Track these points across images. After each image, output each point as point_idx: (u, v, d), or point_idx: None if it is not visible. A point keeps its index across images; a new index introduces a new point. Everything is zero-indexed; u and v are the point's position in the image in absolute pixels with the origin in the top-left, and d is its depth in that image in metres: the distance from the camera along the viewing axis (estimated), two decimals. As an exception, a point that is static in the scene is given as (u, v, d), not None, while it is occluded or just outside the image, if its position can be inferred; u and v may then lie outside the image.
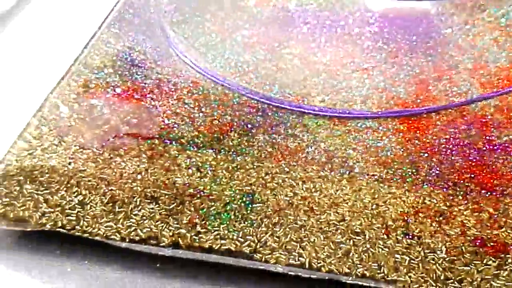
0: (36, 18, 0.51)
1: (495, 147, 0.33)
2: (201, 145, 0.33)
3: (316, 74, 0.35)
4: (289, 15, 0.36)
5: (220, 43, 0.35)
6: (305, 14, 0.36)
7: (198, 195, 0.32)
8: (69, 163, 0.33)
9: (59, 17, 0.51)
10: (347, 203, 0.31)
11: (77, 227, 0.32)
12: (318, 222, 0.31)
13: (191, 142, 0.33)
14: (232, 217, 0.32)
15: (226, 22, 0.36)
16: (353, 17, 0.36)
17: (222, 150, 0.33)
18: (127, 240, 0.32)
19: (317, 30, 0.36)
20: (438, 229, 0.30)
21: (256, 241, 0.31)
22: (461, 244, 0.29)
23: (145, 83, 0.34)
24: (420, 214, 0.30)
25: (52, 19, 0.51)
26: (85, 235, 0.32)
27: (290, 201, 0.32)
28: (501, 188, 0.31)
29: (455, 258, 0.29)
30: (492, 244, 0.29)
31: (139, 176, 0.33)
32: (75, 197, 0.33)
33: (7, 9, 0.55)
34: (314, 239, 0.31)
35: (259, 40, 0.35)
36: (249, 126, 0.33)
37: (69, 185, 0.33)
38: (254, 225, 0.31)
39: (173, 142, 0.33)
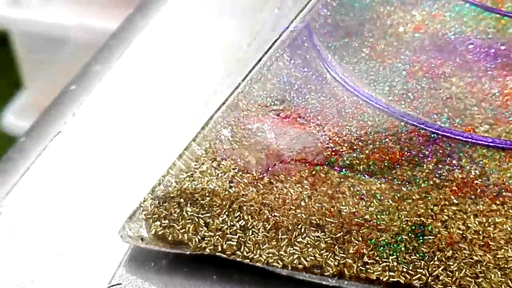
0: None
1: None
2: (366, 173, 0.32)
3: (483, 103, 0.34)
4: (449, 41, 0.35)
5: (381, 69, 0.35)
6: (466, 41, 0.35)
7: (366, 225, 0.31)
8: (230, 187, 0.32)
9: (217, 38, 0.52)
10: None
11: (238, 252, 0.32)
12: (496, 258, 0.30)
13: (357, 170, 0.32)
14: (403, 248, 0.30)
15: (384, 48, 0.36)
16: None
17: (388, 179, 0.32)
18: (289, 268, 0.31)
19: (480, 57, 0.35)
20: None
21: (428, 274, 0.29)
22: None
23: (307, 109, 0.33)
24: None
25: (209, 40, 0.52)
26: (246, 261, 0.32)
27: (463, 235, 0.30)
28: None
29: None
30: None
31: (302, 203, 0.32)
32: (237, 222, 0.32)
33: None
34: (491, 276, 0.29)
35: (421, 67, 0.35)
36: (418, 156, 0.32)
37: (231, 209, 0.32)
38: (426, 258, 0.30)
39: (339, 169, 0.32)
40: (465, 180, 0.31)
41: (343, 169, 0.32)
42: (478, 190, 0.31)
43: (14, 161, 0.42)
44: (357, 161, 0.32)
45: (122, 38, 0.55)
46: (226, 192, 0.32)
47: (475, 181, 0.31)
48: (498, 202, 0.31)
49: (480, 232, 0.30)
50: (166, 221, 0.33)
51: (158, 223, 0.33)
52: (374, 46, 0.36)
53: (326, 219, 0.31)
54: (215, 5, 0.58)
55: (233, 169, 0.33)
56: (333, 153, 0.32)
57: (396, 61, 0.35)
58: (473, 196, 0.31)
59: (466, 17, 0.37)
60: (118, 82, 0.49)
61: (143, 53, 0.53)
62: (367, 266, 0.30)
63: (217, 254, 0.32)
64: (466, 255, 0.30)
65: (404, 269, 0.30)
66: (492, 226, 0.30)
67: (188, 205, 0.33)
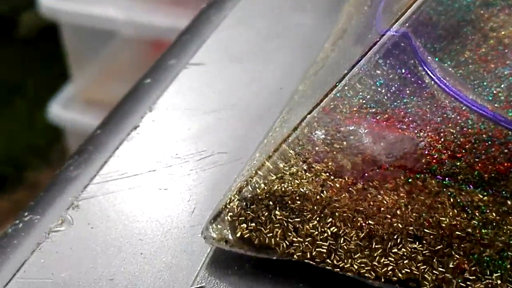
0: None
1: None
2: (470, 184, 0.30)
3: None
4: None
5: (485, 74, 0.33)
6: None
7: (468, 238, 0.29)
8: (322, 191, 0.31)
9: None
10: None
11: (328, 260, 0.30)
12: None
13: (459, 179, 0.30)
14: (508, 266, 0.28)
15: (487, 52, 0.33)
16: None
17: (493, 191, 0.30)
18: (383, 280, 0.29)
19: None
20: None
21: (535, 296, 0.28)
22: None
23: (406, 113, 0.32)
24: None
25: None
26: (336, 270, 0.30)
27: None
28: None
29: None
30: None
31: (398, 212, 0.30)
32: (329, 228, 0.30)
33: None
34: None
35: (528, 74, 0.32)
36: (528, 167, 0.30)
37: (322, 215, 0.31)
38: (534, 277, 0.28)
39: (441, 178, 0.30)
40: None
41: (445, 178, 0.30)
42: None
43: (90, 153, 0.41)
44: (460, 170, 0.30)
45: (195, 33, 0.54)
46: (318, 197, 0.31)
47: None
48: None
49: None
50: (253, 224, 0.31)
51: (244, 225, 0.31)
52: (476, 49, 0.34)
53: (425, 230, 0.29)
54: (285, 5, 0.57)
55: (325, 172, 0.31)
56: (434, 161, 0.30)
57: (501, 66, 0.33)
58: None
59: None
60: (193, 77, 0.47)
61: (218, 49, 0.52)
62: (468, 283, 0.28)
63: (306, 261, 0.31)
64: None
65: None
66: None
67: (277, 208, 0.31)
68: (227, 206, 0.32)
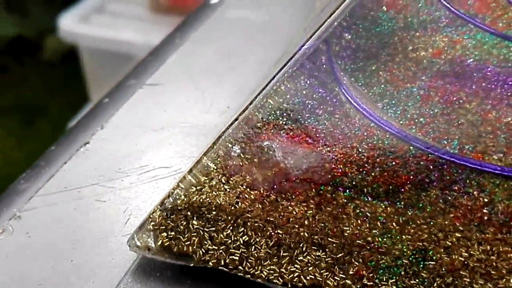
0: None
1: None
2: (372, 196, 0.32)
3: (495, 131, 0.33)
4: (467, 69, 0.35)
5: (396, 93, 0.35)
6: (484, 69, 0.35)
7: (367, 247, 0.31)
8: (237, 203, 0.33)
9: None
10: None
11: (240, 267, 0.32)
12: (496, 288, 0.29)
13: (363, 192, 0.32)
14: (402, 272, 0.30)
15: (401, 73, 0.35)
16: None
17: (393, 203, 0.32)
18: (289, 286, 0.31)
19: (498, 85, 0.34)
20: None
21: (427, 300, 0.29)
22: None
23: (318, 129, 0.34)
24: None
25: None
26: (247, 276, 0.32)
27: (465, 262, 0.30)
28: None
29: None
30: None
31: (306, 222, 0.32)
32: (241, 237, 0.32)
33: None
34: (491, 306, 0.29)
35: (436, 93, 0.34)
36: (425, 180, 0.32)
37: (235, 224, 0.32)
38: (425, 283, 0.29)
39: (344, 191, 0.32)
40: (471, 207, 0.31)
41: (348, 190, 0.32)
42: (484, 218, 0.31)
43: (40, 168, 0.43)
44: (363, 183, 0.32)
45: (157, 54, 0.56)
46: (232, 208, 0.33)
47: (482, 209, 0.31)
48: (504, 231, 0.30)
49: (483, 261, 0.30)
50: (173, 233, 0.33)
51: (164, 234, 0.33)
52: (391, 70, 0.36)
53: (328, 239, 0.31)
54: (248, 27, 0.59)
55: (241, 185, 0.33)
56: (339, 174, 0.32)
57: (412, 86, 0.35)
58: (478, 224, 0.31)
59: (487, 45, 0.36)
60: (148, 96, 0.50)
61: (175, 70, 0.54)
62: (366, 288, 0.30)
63: (220, 268, 0.32)
64: (467, 283, 0.29)
65: (403, 294, 0.29)
66: (496, 255, 0.30)
67: (195, 218, 0.33)
68: (151, 216, 0.34)
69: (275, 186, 0.33)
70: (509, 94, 0.34)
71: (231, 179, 0.34)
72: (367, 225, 0.31)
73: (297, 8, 0.62)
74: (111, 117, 0.47)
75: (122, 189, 0.40)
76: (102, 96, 0.53)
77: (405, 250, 0.30)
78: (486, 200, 0.31)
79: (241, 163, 0.34)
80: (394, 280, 0.30)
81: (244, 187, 0.33)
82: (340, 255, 0.31)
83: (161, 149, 0.44)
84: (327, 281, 0.31)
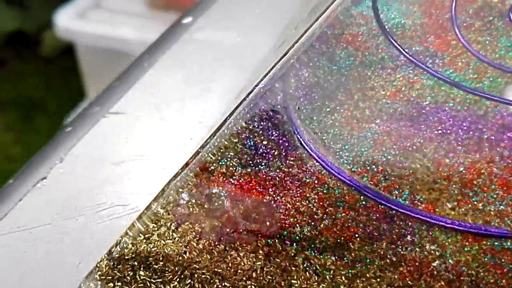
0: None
1: None
2: (321, 249, 0.31)
3: (448, 179, 0.32)
4: (423, 112, 0.34)
5: (349, 137, 0.34)
6: (440, 112, 0.34)
7: (315, 301, 0.30)
8: (185, 252, 0.32)
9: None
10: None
11: (186, 320, 0.31)
12: None
13: (311, 244, 0.31)
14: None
15: (356, 114, 0.35)
16: (494, 121, 0.34)
17: (342, 256, 0.31)
18: None
19: (452, 131, 0.34)
20: None
21: None
22: None
23: (268, 175, 0.33)
24: None
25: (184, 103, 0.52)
26: (193, 329, 0.31)
27: (415, 319, 0.29)
28: None
29: None
30: None
31: (254, 274, 0.31)
32: (187, 289, 0.32)
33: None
34: None
35: (389, 137, 0.34)
36: (375, 233, 0.31)
37: (182, 276, 0.32)
38: None
39: (292, 243, 0.31)
40: (421, 262, 0.30)
41: (296, 243, 0.31)
42: (436, 273, 0.30)
43: (-4, 205, 0.43)
44: (312, 235, 0.31)
45: (124, 79, 0.56)
46: (180, 258, 0.32)
47: (433, 264, 0.30)
48: (453, 286, 0.30)
49: (432, 318, 0.29)
50: (119, 284, 0.32)
51: (111, 284, 0.33)
52: (346, 111, 0.35)
53: (276, 292, 0.31)
54: (217, 51, 0.58)
55: (190, 234, 0.33)
56: (287, 225, 0.31)
57: (366, 129, 0.34)
58: (428, 279, 0.30)
59: (444, 86, 0.36)
60: (110, 126, 0.49)
61: (140, 97, 0.53)
62: None
63: (166, 320, 0.32)
64: None
65: None
66: (446, 311, 0.29)
67: (141, 268, 0.32)
68: (98, 265, 0.33)
69: (223, 236, 0.32)
70: (463, 139, 0.33)
71: (179, 227, 0.33)
72: (316, 279, 0.30)
73: (271, 31, 0.61)
74: (71, 149, 0.46)
75: (76, 229, 0.39)
76: (65, 124, 0.52)
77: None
78: (436, 254, 0.30)
79: (190, 211, 0.33)
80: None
81: (193, 236, 0.32)
82: (287, 309, 0.30)
83: (119, 185, 0.43)
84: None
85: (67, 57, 1.79)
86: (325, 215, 0.31)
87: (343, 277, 0.30)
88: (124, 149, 0.46)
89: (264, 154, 0.34)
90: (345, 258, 0.31)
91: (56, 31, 1.39)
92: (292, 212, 0.32)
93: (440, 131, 0.34)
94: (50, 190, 0.42)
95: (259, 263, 0.31)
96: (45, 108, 1.91)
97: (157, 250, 0.32)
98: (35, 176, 0.44)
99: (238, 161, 0.34)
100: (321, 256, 0.31)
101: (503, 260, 0.30)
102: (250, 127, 0.34)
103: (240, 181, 0.33)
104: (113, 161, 0.45)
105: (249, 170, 0.33)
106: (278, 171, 0.33)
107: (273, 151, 0.34)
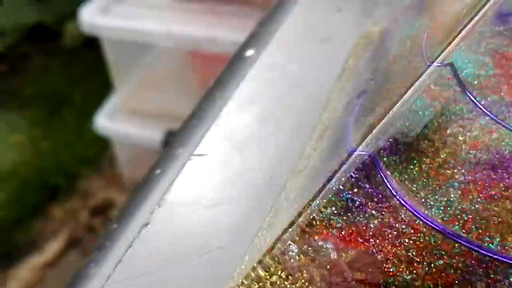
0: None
1: None
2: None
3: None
4: (504, 159, 0.38)
5: (437, 187, 0.37)
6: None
7: None
8: (297, 299, 0.36)
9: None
10: None
11: None
12: None
13: (414, 290, 0.35)
14: None
15: (442, 165, 0.38)
16: None
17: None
18: None
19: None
20: None
21: None
22: None
23: (367, 227, 0.36)
24: None
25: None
26: None
27: None
28: None
29: None
30: None
31: (362, 322, 0.35)
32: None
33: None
34: None
35: (475, 186, 0.37)
36: (472, 279, 0.34)
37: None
38: None
39: (396, 289, 0.35)
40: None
41: (400, 290, 0.35)
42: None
43: (107, 249, 0.47)
44: (413, 283, 0.35)
45: (200, 118, 0.59)
46: (294, 304, 0.36)
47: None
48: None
49: None
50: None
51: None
52: (431, 162, 0.39)
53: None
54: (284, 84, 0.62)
55: (300, 281, 0.36)
56: (390, 274, 0.35)
57: (452, 180, 0.38)
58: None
59: (522, 133, 0.39)
60: (197, 169, 0.53)
61: (219, 137, 0.57)
62: None
63: None
64: None
65: None
66: None
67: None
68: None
69: (332, 285, 0.36)
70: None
71: (290, 276, 0.37)
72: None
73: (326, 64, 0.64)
74: (165, 194, 0.50)
75: (179, 278, 0.43)
76: (152, 166, 0.56)
77: None
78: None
79: (298, 262, 0.37)
80: None
81: (303, 282, 0.36)
82: None
83: (215, 228, 0.47)
84: None
85: (90, 47, 1.81)
86: (424, 263, 0.35)
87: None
88: (212, 192, 0.50)
89: (361, 207, 0.37)
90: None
91: (81, 27, 1.42)
92: (393, 261, 0.35)
93: (522, 178, 0.37)
94: (154, 237, 0.47)
95: (366, 310, 0.35)
96: (72, 102, 1.93)
97: (273, 297, 0.36)
98: (138, 220, 0.48)
99: (338, 214, 0.37)
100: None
101: None
102: (347, 185, 0.37)
103: (342, 232, 0.37)
104: (205, 205, 0.49)
105: (348, 222, 0.37)
106: (376, 222, 0.37)
107: (369, 202, 0.37)
